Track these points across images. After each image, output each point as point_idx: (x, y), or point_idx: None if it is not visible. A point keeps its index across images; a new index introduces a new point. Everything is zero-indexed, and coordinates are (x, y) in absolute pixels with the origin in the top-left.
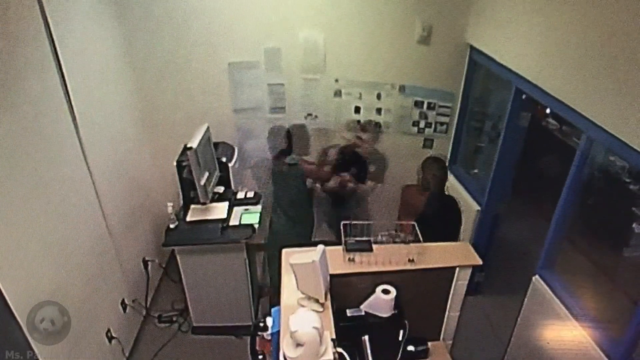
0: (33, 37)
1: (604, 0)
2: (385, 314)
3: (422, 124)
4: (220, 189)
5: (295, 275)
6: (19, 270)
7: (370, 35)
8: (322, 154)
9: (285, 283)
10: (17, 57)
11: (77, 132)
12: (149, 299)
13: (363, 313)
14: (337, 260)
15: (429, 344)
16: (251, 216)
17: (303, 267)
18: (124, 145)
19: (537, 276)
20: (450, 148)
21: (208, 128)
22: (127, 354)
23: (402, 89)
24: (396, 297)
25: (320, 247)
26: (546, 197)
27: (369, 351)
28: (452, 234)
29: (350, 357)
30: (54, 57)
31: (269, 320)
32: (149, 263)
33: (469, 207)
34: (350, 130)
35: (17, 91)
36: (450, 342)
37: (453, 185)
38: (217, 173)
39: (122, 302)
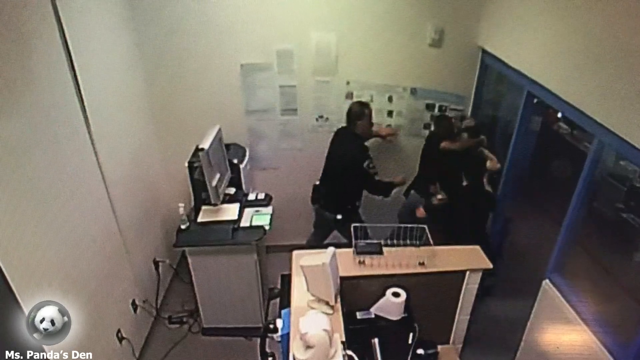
0: (46, 39)
1: (616, 4)
2: (395, 317)
3: (433, 127)
4: (232, 191)
5: (306, 278)
6: (29, 270)
7: (382, 37)
8: None
9: (296, 285)
10: (31, 59)
11: (90, 134)
12: (160, 300)
13: (373, 316)
14: (347, 262)
15: (439, 347)
16: (262, 218)
17: (313, 269)
18: (135, 146)
19: (547, 280)
20: None
21: (220, 129)
22: (137, 355)
23: (413, 91)
24: (406, 300)
25: (331, 249)
26: (557, 201)
27: (378, 354)
28: None
29: None
30: (67, 58)
31: (279, 322)
32: (160, 264)
33: None
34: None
35: (31, 92)
36: (460, 345)
37: None
38: (228, 174)
39: (133, 303)
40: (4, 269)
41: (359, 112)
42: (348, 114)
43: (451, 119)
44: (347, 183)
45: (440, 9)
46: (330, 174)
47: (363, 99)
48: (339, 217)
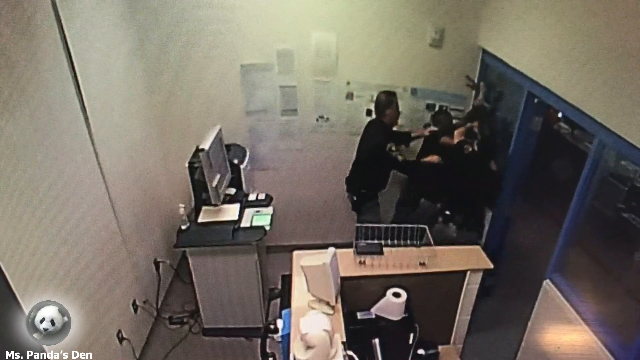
0: (46, 37)
1: (616, 4)
2: (395, 317)
3: (431, 125)
4: (232, 191)
5: (306, 278)
6: (30, 270)
7: (382, 37)
8: None
9: (296, 285)
10: (30, 57)
11: (90, 133)
12: (160, 300)
13: (373, 316)
14: (348, 262)
15: (440, 347)
16: (262, 218)
17: (314, 269)
18: (136, 146)
19: (547, 280)
20: None
21: (220, 130)
22: (137, 355)
23: (413, 91)
24: (407, 300)
25: (331, 249)
26: (557, 201)
27: (379, 354)
28: None
29: None
30: (67, 57)
31: (280, 323)
32: (161, 264)
33: None
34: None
35: (31, 91)
36: (461, 346)
37: None
38: (228, 175)
39: (134, 303)
40: (4, 269)
41: (387, 101)
42: (377, 105)
43: (450, 115)
44: (370, 169)
45: (440, 9)
46: (356, 160)
47: (364, 100)
48: (355, 198)
